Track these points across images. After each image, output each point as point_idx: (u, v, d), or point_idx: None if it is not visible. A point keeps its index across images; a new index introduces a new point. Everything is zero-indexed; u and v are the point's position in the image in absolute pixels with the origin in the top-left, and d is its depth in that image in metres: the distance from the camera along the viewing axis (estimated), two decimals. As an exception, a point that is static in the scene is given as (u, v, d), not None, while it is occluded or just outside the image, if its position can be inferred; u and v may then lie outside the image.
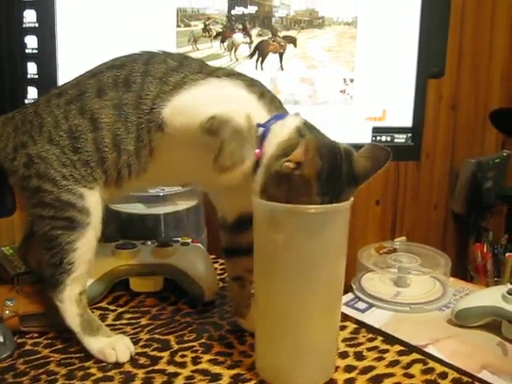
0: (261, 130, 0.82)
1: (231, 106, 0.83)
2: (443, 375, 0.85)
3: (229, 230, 0.96)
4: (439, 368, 0.87)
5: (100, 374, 0.85)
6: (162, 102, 0.85)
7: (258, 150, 0.82)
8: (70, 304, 0.89)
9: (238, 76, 0.88)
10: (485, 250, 2.00)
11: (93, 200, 0.88)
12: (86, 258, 0.88)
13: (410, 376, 0.85)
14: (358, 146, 1.25)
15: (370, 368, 0.87)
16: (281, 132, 0.81)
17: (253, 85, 0.87)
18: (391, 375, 0.85)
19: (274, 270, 0.80)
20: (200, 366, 0.87)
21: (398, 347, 0.93)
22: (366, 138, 1.26)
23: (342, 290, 0.84)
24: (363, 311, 1.11)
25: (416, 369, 0.87)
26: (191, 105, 0.85)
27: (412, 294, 1.17)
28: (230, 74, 0.88)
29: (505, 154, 2.41)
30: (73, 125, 0.88)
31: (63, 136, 0.88)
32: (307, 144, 0.75)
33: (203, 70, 0.88)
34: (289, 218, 0.77)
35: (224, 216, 0.96)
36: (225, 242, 0.98)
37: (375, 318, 1.09)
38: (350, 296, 1.19)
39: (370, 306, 1.13)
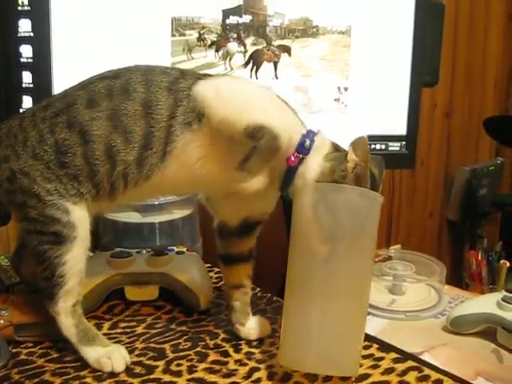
0: (308, 142, 0.86)
1: (280, 121, 0.86)
2: (438, 382, 0.86)
3: (231, 235, 0.97)
4: (434, 375, 0.88)
5: (95, 384, 0.85)
6: (186, 104, 0.86)
7: (293, 157, 0.86)
8: (65, 315, 0.89)
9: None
10: (479, 257, 2.00)
11: (78, 214, 0.87)
12: (77, 270, 0.88)
13: (406, 383, 0.85)
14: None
15: (366, 376, 0.87)
16: (323, 146, 0.88)
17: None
18: (386, 383, 0.86)
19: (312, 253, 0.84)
20: (196, 375, 0.87)
21: (393, 355, 0.94)
22: (360, 146, 1.26)
23: (370, 281, 0.89)
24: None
25: (411, 376, 0.87)
26: (237, 99, 0.86)
27: (407, 302, 1.17)
28: None
29: (499, 162, 2.42)
30: (59, 139, 0.86)
31: (48, 151, 0.86)
32: (358, 142, 0.85)
33: (211, 76, 0.90)
34: (337, 196, 0.84)
35: (225, 221, 0.97)
36: (224, 250, 0.99)
37: (371, 325, 1.08)
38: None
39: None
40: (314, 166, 0.86)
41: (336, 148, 0.89)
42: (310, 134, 0.87)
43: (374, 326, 1.09)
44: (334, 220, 0.83)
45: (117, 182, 0.88)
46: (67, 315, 0.89)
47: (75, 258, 0.87)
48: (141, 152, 0.86)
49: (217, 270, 1.24)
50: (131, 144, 0.86)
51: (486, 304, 1.05)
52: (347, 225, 0.83)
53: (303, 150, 0.86)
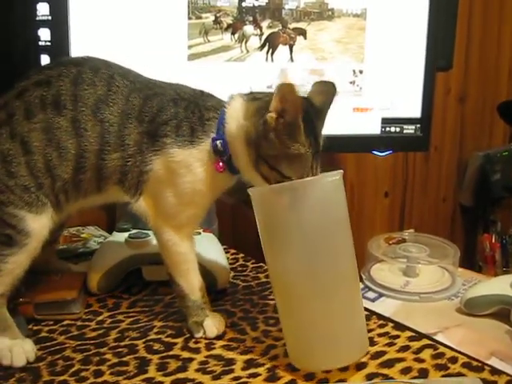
0: (219, 143, 0.87)
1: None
2: (453, 360, 0.87)
3: None
4: (449, 353, 0.89)
5: (115, 360, 0.86)
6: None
7: (220, 163, 0.88)
8: None
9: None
10: (493, 240, 2.01)
11: (35, 224, 0.87)
12: (13, 273, 0.87)
13: (421, 361, 0.86)
14: (368, 137, 1.28)
15: (382, 353, 0.88)
16: (237, 115, 0.87)
17: (176, 116, 0.89)
18: (402, 360, 0.86)
19: (282, 250, 0.82)
20: (214, 352, 0.89)
21: (408, 333, 0.95)
22: (375, 128, 1.27)
23: (353, 258, 0.85)
24: (373, 300, 1.12)
25: (426, 354, 0.88)
26: None
27: (421, 284, 1.17)
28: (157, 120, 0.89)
29: (513, 147, 2.41)
30: (4, 149, 0.87)
31: None
32: (283, 88, 0.80)
33: (131, 112, 0.88)
34: (286, 194, 0.80)
35: None
36: None
37: (385, 307, 1.09)
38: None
39: (380, 295, 1.14)
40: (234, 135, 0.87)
41: (252, 98, 0.88)
42: (219, 130, 0.87)
43: (388, 307, 1.09)
44: (302, 219, 0.80)
45: (59, 195, 0.90)
46: None
47: (17, 263, 0.87)
48: (75, 174, 0.88)
49: (232, 251, 1.26)
50: (65, 161, 0.88)
51: (499, 285, 1.06)
52: (319, 218, 0.81)
53: (219, 152, 0.87)
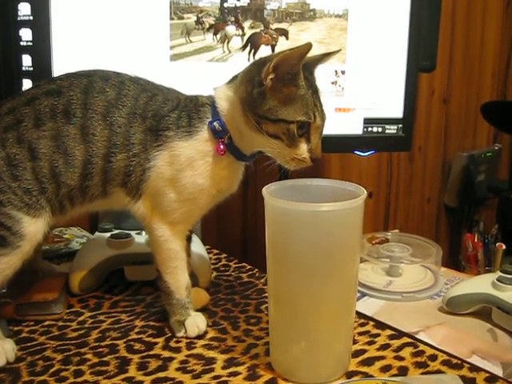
0: (216, 123, 0.89)
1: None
2: (433, 357, 0.87)
3: None
4: (429, 351, 0.89)
5: (96, 360, 0.86)
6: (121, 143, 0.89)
7: (221, 146, 0.89)
8: None
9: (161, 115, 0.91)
10: (476, 239, 2.02)
11: (31, 228, 0.88)
12: (3, 273, 0.88)
13: (401, 359, 0.87)
14: (350, 137, 1.28)
15: (362, 351, 0.89)
16: (226, 95, 0.91)
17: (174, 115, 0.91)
18: (382, 358, 0.87)
19: (288, 268, 0.80)
20: (194, 351, 0.89)
21: (388, 332, 0.95)
22: (357, 129, 1.27)
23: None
24: (356, 300, 1.12)
25: (406, 352, 0.89)
26: None
27: (404, 283, 1.17)
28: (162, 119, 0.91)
29: (497, 148, 2.42)
30: (10, 153, 0.88)
31: (0, 163, 0.87)
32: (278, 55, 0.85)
33: (137, 110, 0.90)
34: (301, 218, 0.78)
35: None
36: None
37: (368, 306, 1.10)
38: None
39: (363, 295, 1.14)
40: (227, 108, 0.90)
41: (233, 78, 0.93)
42: (215, 115, 0.90)
43: (371, 306, 1.10)
44: (315, 243, 0.78)
45: (64, 201, 0.91)
46: None
47: (8, 264, 0.87)
48: (82, 181, 0.89)
49: (215, 251, 1.26)
50: (72, 168, 0.89)
51: (481, 284, 1.06)
52: (332, 245, 0.79)
53: (219, 133, 0.90)
